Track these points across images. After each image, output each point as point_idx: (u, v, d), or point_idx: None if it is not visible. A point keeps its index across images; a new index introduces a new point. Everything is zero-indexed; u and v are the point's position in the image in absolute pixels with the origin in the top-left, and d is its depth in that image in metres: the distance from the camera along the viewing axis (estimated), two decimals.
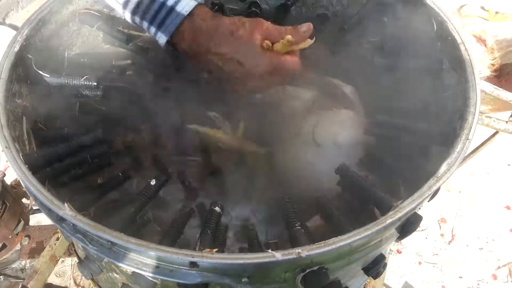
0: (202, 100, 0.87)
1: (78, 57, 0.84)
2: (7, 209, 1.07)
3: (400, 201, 0.52)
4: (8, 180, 1.18)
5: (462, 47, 0.68)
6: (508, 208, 2.13)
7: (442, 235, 2.05)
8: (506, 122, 1.44)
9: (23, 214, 1.15)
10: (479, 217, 2.11)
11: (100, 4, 0.85)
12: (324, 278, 0.50)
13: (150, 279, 0.54)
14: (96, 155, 0.67)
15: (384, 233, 0.51)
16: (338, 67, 0.95)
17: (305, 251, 0.46)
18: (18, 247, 1.17)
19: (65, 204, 0.49)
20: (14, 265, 1.23)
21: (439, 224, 2.08)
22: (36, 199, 0.53)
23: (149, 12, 0.65)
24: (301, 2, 0.96)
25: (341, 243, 0.46)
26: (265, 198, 0.73)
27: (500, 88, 1.26)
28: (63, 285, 1.80)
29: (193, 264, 0.46)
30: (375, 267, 0.59)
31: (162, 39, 0.66)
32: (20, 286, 1.05)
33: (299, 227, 0.55)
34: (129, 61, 0.94)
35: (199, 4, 0.66)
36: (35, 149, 0.70)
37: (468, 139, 0.55)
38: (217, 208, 0.58)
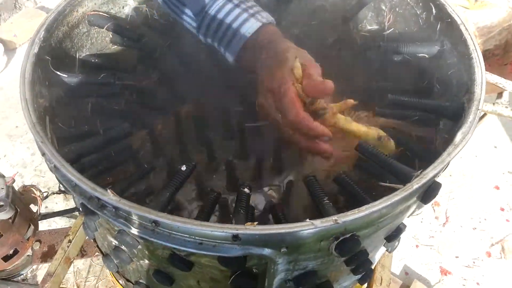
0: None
1: (89, 58, 0.86)
2: (18, 214, 1.07)
3: (420, 171, 0.56)
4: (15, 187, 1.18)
5: (462, 27, 0.72)
6: (497, 188, 2.21)
7: (436, 218, 2.11)
8: (493, 104, 1.50)
9: (32, 219, 1.15)
10: (470, 198, 2.18)
11: (107, 6, 0.87)
12: (356, 245, 0.53)
13: (187, 259, 0.57)
14: (121, 149, 0.69)
15: (409, 199, 0.55)
16: (340, 56, 1.00)
17: (341, 218, 0.49)
18: (29, 252, 1.17)
19: (108, 190, 0.51)
20: (24, 272, 1.23)
21: (433, 207, 2.14)
22: (75, 189, 0.54)
23: (217, 35, 0.69)
24: None
25: (374, 209, 0.50)
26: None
27: (486, 72, 1.32)
28: None
29: (235, 238, 0.49)
30: (397, 235, 0.62)
31: (229, 58, 0.71)
32: None
33: (327, 201, 0.58)
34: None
35: (265, 25, 0.69)
36: (57, 147, 0.71)
37: (478, 109, 0.59)
38: (246, 189, 0.61)
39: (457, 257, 1.99)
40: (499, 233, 2.04)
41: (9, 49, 2.80)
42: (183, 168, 0.60)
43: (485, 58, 1.97)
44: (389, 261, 1.10)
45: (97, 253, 1.12)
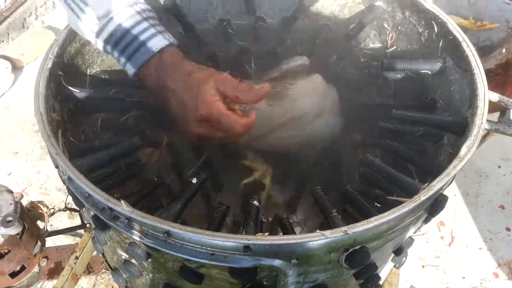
0: None
1: (99, 74, 0.88)
2: (25, 230, 1.08)
3: (426, 184, 0.57)
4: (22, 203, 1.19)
5: (464, 44, 0.74)
6: (502, 207, 2.20)
7: (442, 237, 2.09)
8: (496, 122, 1.51)
9: (40, 235, 1.16)
10: (476, 218, 2.17)
11: None
12: (365, 257, 0.53)
13: (198, 271, 0.57)
14: (131, 163, 0.70)
15: (417, 212, 0.55)
16: (344, 72, 1.02)
17: (351, 229, 0.49)
18: (36, 269, 1.17)
19: (121, 201, 0.52)
20: None
21: (438, 227, 2.13)
22: (88, 199, 0.55)
23: (120, 44, 0.67)
24: (305, 15, 1.02)
25: (382, 220, 0.50)
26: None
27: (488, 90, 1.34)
28: None
29: (247, 249, 0.50)
30: (405, 248, 0.63)
31: (130, 70, 0.70)
32: None
33: (336, 213, 0.59)
34: None
35: (170, 44, 0.69)
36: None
37: (482, 122, 0.61)
38: (255, 202, 0.62)
39: (463, 277, 1.96)
40: (506, 253, 2.03)
41: (17, 68, 2.85)
42: (194, 181, 0.61)
43: (486, 77, 2.00)
44: (397, 279, 1.09)
45: (103, 270, 1.12)
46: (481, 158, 2.37)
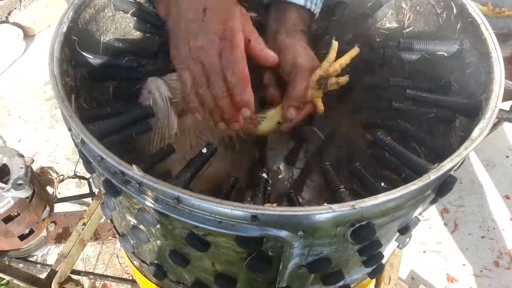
0: None
1: (113, 42, 0.88)
2: (35, 194, 1.10)
3: (437, 164, 0.57)
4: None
5: (483, 27, 0.73)
6: (507, 197, 2.19)
7: (445, 224, 2.10)
8: (508, 111, 1.49)
9: (48, 201, 1.18)
10: (480, 206, 2.17)
11: None
12: (371, 232, 0.54)
13: (205, 239, 0.58)
14: (142, 131, 0.70)
15: (425, 191, 0.56)
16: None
17: (359, 204, 0.50)
18: (44, 233, 1.19)
19: (133, 166, 0.52)
20: (37, 253, 1.26)
21: (442, 214, 2.14)
22: (100, 163, 0.56)
23: None
24: None
25: (390, 197, 0.51)
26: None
27: None
28: None
29: (254, 218, 0.50)
30: (410, 228, 0.63)
31: None
32: (49, 270, 1.07)
33: (344, 189, 0.59)
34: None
35: None
36: None
37: (496, 106, 0.60)
38: (264, 174, 0.62)
39: (464, 264, 1.98)
40: (508, 243, 2.03)
41: (28, 36, 2.85)
42: (204, 150, 0.62)
43: None
44: (398, 261, 1.11)
45: (110, 237, 1.14)
46: (490, 147, 2.36)
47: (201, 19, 0.61)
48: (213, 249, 0.59)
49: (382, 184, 0.72)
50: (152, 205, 0.53)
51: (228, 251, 0.59)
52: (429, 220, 2.12)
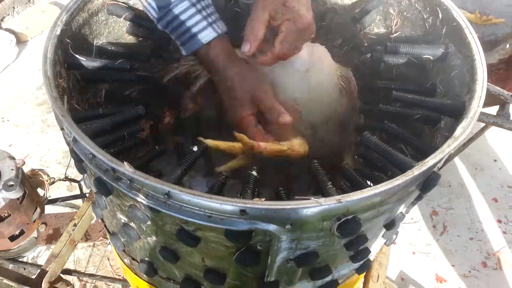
0: None
1: (106, 46, 0.89)
2: (26, 196, 1.10)
3: (421, 162, 0.59)
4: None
5: (466, 31, 0.76)
6: (495, 200, 2.23)
7: (434, 226, 2.13)
8: (495, 116, 1.52)
9: (39, 202, 1.18)
10: (468, 209, 2.20)
11: None
12: (356, 226, 0.55)
13: (195, 234, 0.59)
14: (133, 132, 0.72)
15: (409, 186, 0.57)
16: (347, 55, 1.03)
17: (344, 198, 0.51)
18: (34, 234, 1.19)
19: (124, 163, 0.53)
20: (28, 254, 1.25)
21: (431, 216, 2.16)
22: (92, 161, 0.57)
23: (176, 32, 0.78)
24: None
25: (375, 191, 0.52)
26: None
27: (488, 83, 1.35)
28: None
29: (243, 212, 0.52)
30: (396, 223, 0.65)
31: (183, 51, 0.80)
32: (39, 270, 1.07)
33: (331, 186, 0.61)
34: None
35: (220, 36, 0.78)
36: None
37: (479, 106, 0.62)
38: (253, 172, 0.64)
39: (453, 265, 2.00)
40: (495, 244, 2.06)
41: (21, 41, 2.85)
42: (195, 148, 0.63)
43: (489, 72, 2.01)
44: (386, 260, 1.12)
45: (101, 238, 1.15)
46: (478, 151, 2.39)
47: (236, 89, 0.78)
48: (202, 244, 0.60)
49: (369, 183, 0.74)
50: (143, 201, 0.54)
51: (217, 246, 0.60)
52: (419, 222, 2.14)
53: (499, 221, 2.15)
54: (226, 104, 0.79)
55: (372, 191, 0.52)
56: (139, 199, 0.55)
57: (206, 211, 0.53)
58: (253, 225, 0.52)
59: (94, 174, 0.63)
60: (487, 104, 1.75)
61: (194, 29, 0.76)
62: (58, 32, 0.72)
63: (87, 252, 1.86)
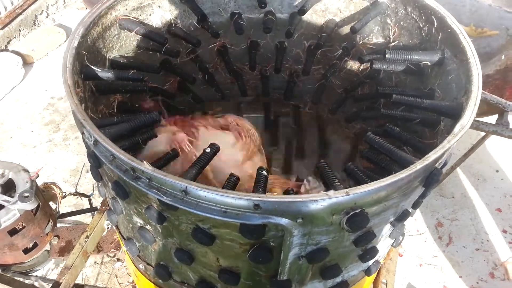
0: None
1: (118, 59, 0.93)
2: (39, 208, 1.13)
3: (422, 159, 0.62)
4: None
5: (461, 37, 0.80)
6: (499, 210, 2.24)
7: (440, 238, 2.13)
8: (494, 124, 1.55)
9: (52, 215, 1.21)
10: (473, 220, 2.21)
11: (136, 12, 0.96)
12: (365, 220, 0.58)
13: (210, 232, 0.62)
14: (147, 137, 0.75)
15: (413, 181, 0.60)
16: (348, 65, 1.07)
17: (352, 191, 0.54)
18: (47, 247, 1.22)
19: (144, 161, 0.57)
20: (40, 267, 1.27)
21: (436, 228, 2.17)
22: (112, 162, 0.60)
23: None
24: (312, 10, 1.07)
25: (381, 184, 0.55)
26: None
27: (486, 92, 1.38)
28: None
29: (257, 206, 0.54)
30: (402, 220, 0.68)
31: None
32: (53, 283, 1.09)
33: (338, 182, 0.64)
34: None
35: None
36: None
37: (475, 104, 0.66)
38: (264, 172, 0.67)
39: (460, 277, 2.00)
40: (502, 254, 2.07)
41: (27, 63, 2.92)
42: (208, 150, 0.66)
43: (485, 83, 2.04)
44: (394, 266, 1.14)
45: (112, 249, 1.16)
46: (480, 162, 2.42)
47: None
48: (217, 242, 0.63)
49: None
50: (162, 199, 0.57)
51: (232, 243, 0.63)
52: (424, 234, 2.15)
53: (504, 231, 2.16)
54: None
55: (378, 184, 0.55)
56: (158, 197, 0.58)
57: (221, 206, 0.55)
58: (266, 219, 0.55)
59: (112, 177, 0.66)
60: (485, 113, 1.79)
61: None
62: (75, 44, 0.77)
63: (95, 270, 1.87)
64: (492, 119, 1.45)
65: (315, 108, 1.20)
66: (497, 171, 2.44)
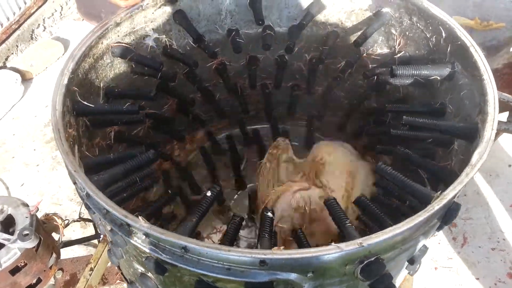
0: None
1: (112, 88, 0.89)
2: (41, 243, 1.09)
3: (439, 192, 0.57)
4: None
5: (472, 49, 0.75)
6: None
7: (454, 238, 2.08)
8: (505, 122, 1.49)
9: (55, 247, 1.17)
10: (487, 218, 2.15)
11: (129, 37, 0.91)
12: (381, 268, 0.54)
13: (214, 285, 0.58)
14: (146, 175, 0.71)
15: (431, 221, 0.56)
16: (352, 78, 1.02)
17: (366, 241, 0.50)
18: (52, 281, 1.18)
19: (139, 218, 0.52)
20: None
21: (450, 228, 2.11)
22: (106, 216, 0.56)
23: None
24: (312, 22, 1.02)
25: (397, 231, 0.51)
26: None
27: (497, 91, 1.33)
28: None
29: (263, 263, 0.50)
30: (419, 257, 0.63)
31: None
32: None
33: (349, 224, 0.60)
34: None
35: None
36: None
37: (493, 129, 0.61)
38: (269, 214, 0.63)
39: (477, 278, 1.95)
40: None
41: (26, 79, 2.89)
42: (209, 193, 0.62)
43: (494, 77, 1.98)
44: (410, 284, 1.09)
45: (118, 281, 1.13)
46: (492, 157, 2.34)
47: None
48: None
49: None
50: (160, 256, 0.53)
51: None
52: (438, 236, 2.09)
53: None
54: None
55: (393, 231, 0.51)
56: (156, 255, 0.54)
57: (225, 263, 0.51)
58: (273, 276, 0.51)
59: (108, 226, 0.63)
60: None
61: None
62: (65, 82, 0.73)
63: None
64: (503, 116, 1.40)
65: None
66: (509, 165, 2.37)
